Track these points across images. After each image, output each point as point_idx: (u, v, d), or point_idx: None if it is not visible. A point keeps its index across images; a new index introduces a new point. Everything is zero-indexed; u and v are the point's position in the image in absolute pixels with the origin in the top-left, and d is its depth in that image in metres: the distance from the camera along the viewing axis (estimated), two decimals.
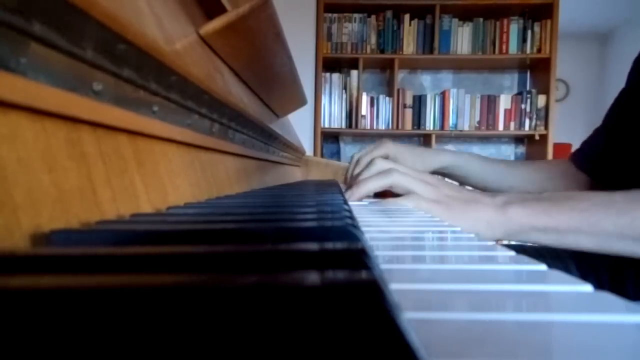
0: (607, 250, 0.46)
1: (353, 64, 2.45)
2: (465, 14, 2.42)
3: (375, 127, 2.45)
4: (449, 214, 0.49)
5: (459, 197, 0.50)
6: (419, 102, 2.46)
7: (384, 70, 2.60)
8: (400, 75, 2.53)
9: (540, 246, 0.77)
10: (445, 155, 0.77)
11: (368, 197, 0.59)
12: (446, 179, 0.62)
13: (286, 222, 0.21)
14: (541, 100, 2.40)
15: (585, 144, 0.74)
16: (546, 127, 2.38)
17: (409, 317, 0.12)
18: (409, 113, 2.46)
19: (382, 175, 0.53)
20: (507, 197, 0.50)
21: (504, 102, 2.43)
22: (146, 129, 0.29)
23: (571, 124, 3.68)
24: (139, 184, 0.28)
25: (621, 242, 0.44)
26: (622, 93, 0.69)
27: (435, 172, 0.77)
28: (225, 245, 0.16)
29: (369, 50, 2.42)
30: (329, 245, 0.14)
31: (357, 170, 0.65)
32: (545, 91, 2.39)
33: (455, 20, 2.42)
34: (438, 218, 0.48)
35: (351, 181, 0.57)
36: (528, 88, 2.54)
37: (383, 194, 0.60)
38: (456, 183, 0.65)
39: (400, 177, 0.52)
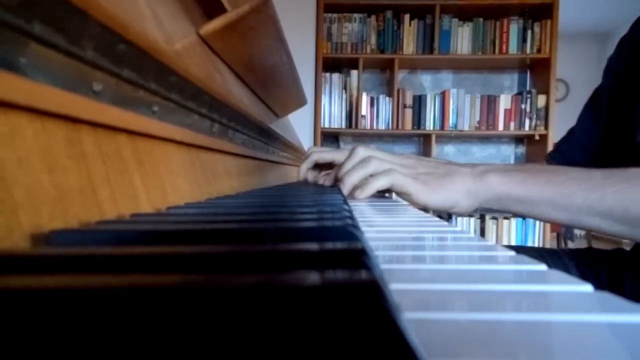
0: (577, 224, 0.47)
1: (353, 64, 2.45)
2: (465, 14, 2.42)
3: (375, 127, 2.45)
4: (428, 189, 0.50)
5: (436, 173, 0.52)
6: (419, 102, 2.46)
7: (384, 70, 2.60)
8: (400, 75, 2.53)
9: (540, 247, 0.77)
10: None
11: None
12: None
13: (286, 222, 0.21)
14: (541, 100, 2.40)
15: (562, 143, 0.75)
16: (546, 127, 2.38)
17: (409, 317, 0.12)
18: (409, 113, 2.46)
19: (362, 165, 0.54)
20: (487, 166, 0.51)
21: (504, 102, 2.43)
22: (146, 129, 0.29)
23: (571, 124, 3.67)
24: (139, 184, 0.28)
25: (590, 217, 0.45)
26: (597, 92, 0.69)
27: None
28: (225, 245, 0.16)
29: (369, 50, 2.42)
30: (329, 245, 0.14)
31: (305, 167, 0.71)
32: (545, 91, 2.39)
33: (455, 20, 2.42)
34: (419, 197, 0.49)
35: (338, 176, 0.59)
36: (528, 88, 2.54)
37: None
38: None
39: (378, 163, 0.53)
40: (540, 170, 0.49)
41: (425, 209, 0.49)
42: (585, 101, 0.72)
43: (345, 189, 0.54)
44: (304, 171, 0.72)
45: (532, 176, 0.48)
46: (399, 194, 0.52)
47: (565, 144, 0.74)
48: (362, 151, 0.56)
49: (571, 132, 0.74)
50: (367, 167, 0.53)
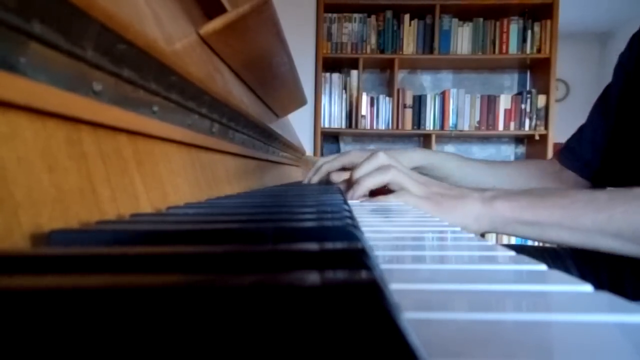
0: (588, 245, 0.47)
1: (353, 64, 2.44)
2: (465, 14, 2.42)
3: (375, 127, 2.45)
4: (439, 209, 0.50)
5: (448, 194, 0.52)
6: (419, 102, 2.45)
7: (384, 70, 2.60)
8: (400, 75, 2.53)
9: (540, 246, 0.77)
10: (418, 155, 0.75)
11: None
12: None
13: (286, 222, 0.21)
14: (541, 100, 2.40)
15: (571, 141, 0.75)
16: (546, 127, 2.38)
17: (409, 317, 0.12)
18: (409, 113, 2.46)
19: (381, 171, 0.54)
20: (495, 191, 0.51)
21: (504, 102, 2.43)
22: (146, 129, 0.29)
23: (571, 124, 3.66)
24: (139, 184, 0.28)
25: (601, 238, 0.45)
26: (608, 89, 0.69)
27: None
28: (225, 245, 0.16)
29: (369, 50, 2.42)
30: (329, 245, 0.14)
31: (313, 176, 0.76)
32: (545, 91, 2.38)
33: (455, 20, 2.42)
34: (436, 217, 0.49)
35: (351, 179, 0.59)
36: (528, 88, 2.54)
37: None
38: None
39: (397, 173, 0.53)
40: (545, 194, 0.49)
41: None
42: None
43: (360, 191, 0.54)
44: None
45: (539, 200, 0.48)
46: None
47: (575, 141, 0.74)
48: (383, 158, 0.56)
49: (581, 130, 0.74)
50: (385, 175, 0.53)
